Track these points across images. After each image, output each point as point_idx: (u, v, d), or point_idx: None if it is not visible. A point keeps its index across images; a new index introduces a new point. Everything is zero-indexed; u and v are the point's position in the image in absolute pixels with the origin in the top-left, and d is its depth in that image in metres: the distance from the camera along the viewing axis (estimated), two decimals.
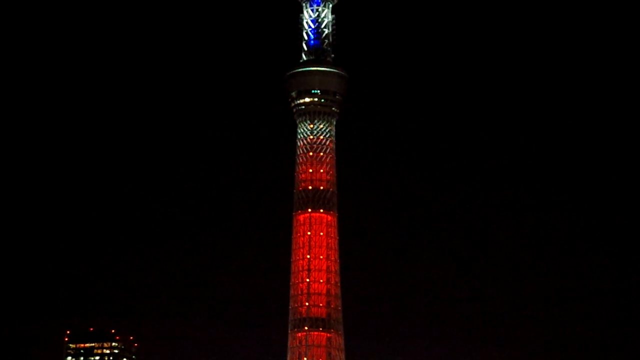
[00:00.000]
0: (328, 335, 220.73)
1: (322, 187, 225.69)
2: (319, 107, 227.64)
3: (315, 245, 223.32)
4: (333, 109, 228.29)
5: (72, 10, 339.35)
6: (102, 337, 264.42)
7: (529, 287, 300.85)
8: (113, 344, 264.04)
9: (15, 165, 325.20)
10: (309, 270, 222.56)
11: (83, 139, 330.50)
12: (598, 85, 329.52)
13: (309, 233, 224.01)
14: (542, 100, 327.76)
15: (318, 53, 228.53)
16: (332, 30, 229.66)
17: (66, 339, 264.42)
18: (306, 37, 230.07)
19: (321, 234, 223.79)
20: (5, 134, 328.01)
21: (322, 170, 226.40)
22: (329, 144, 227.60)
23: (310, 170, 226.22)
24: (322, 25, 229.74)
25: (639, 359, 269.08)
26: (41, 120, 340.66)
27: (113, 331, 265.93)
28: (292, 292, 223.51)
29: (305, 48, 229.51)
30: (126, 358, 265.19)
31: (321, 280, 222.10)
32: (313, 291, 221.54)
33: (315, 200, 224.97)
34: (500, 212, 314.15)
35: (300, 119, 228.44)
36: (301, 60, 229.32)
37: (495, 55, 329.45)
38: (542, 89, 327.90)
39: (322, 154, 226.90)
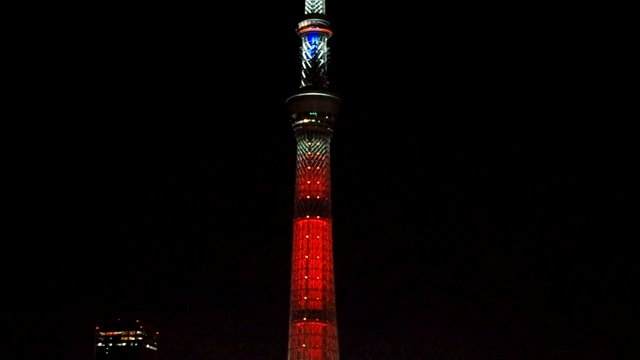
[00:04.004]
0: (324, 325, 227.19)
1: (318, 197, 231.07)
2: (316, 127, 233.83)
3: (312, 247, 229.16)
4: (328, 128, 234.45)
5: (72, 11, 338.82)
6: (129, 326, 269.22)
7: (522, 282, 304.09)
8: (138, 332, 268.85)
9: (44, 159, 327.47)
10: (307, 268, 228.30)
11: (100, 140, 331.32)
12: (597, 86, 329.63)
13: (307, 236, 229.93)
14: (540, 110, 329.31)
15: (315, 80, 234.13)
16: (327, 60, 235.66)
17: (97, 328, 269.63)
18: (305, 67, 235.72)
19: (318, 237, 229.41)
20: (30, 131, 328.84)
21: (318, 182, 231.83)
22: (324, 159, 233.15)
23: (308, 182, 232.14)
24: (319, 56, 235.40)
25: (638, 357, 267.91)
26: (40, 120, 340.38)
27: (138, 321, 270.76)
28: (292, 287, 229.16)
29: (304, 76, 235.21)
30: (149, 344, 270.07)
31: (318, 277, 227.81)
32: (311, 287, 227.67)
33: (313, 208, 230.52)
34: (488, 216, 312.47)
35: (300, 138, 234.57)
36: (300, 87, 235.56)
37: (479, 81, 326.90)
38: (541, 101, 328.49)
39: (318, 167, 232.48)
